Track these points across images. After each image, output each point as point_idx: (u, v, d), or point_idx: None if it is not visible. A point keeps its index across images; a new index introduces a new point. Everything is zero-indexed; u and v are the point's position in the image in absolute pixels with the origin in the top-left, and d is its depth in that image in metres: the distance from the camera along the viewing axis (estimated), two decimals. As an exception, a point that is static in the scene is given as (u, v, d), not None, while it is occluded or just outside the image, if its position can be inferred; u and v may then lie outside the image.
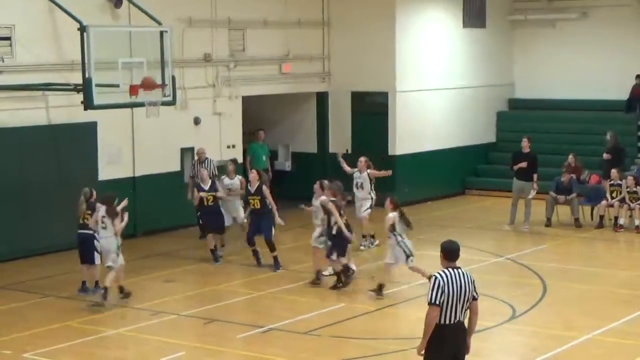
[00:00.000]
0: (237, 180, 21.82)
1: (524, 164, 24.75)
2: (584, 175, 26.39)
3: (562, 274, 20.12)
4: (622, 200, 24.69)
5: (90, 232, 17.91)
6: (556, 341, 15.39)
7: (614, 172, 25.19)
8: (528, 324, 16.52)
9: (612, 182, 25.00)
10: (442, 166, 29.22)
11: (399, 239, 18.07)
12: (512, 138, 31.05)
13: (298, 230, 23.46)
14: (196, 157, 23.61)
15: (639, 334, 15.73)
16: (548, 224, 25.00)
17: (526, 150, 25.12)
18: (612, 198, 24.85)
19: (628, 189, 24.65)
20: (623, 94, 30.10)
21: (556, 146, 28.18)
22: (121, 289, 17.75)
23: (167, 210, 23.91)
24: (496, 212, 27.07)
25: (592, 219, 25.35)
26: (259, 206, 20.27)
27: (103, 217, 17.53)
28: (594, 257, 22.04)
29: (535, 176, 24.91)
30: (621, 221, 24.57)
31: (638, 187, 24.68)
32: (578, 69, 30.96)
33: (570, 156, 26.25)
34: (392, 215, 18.16)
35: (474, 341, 14.32)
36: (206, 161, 23.22)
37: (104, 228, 17.55)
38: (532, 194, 24.87)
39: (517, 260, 21.17)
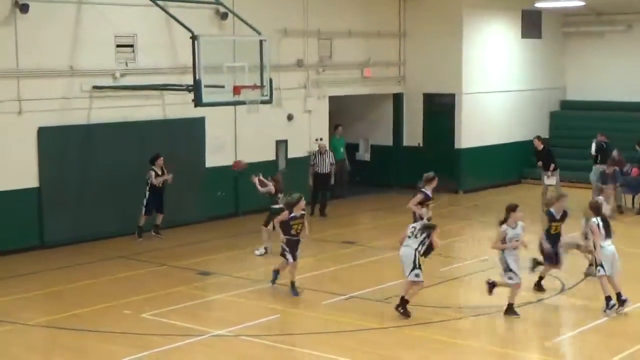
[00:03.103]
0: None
1: (540, 163, 25.19)
2: (627, 168, 26.07)
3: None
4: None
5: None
6: (598, 310, 15.12)
7: (654, 165, 24.98)
8: (576, 297, 16.31)
9: (650, 174, 24.82)
10: (501, 158, 28.99)
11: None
12: (563, 134, 30.99)
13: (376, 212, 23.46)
14: (317, 149, 24.14)
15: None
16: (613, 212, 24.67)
17: (539, 148, 25.01)
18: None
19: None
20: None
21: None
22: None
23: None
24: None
25: (632, 206, 25.00)
26: None
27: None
28: (634, 239, 21.65)
29: (552, 166, 25.05)
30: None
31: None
32: (622, 74, 30.53)
33: (615, 151, 25.94)
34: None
35: (527, 311, 14.23)
36: (326, 152, 23.86)
37: None
38: (549, 181, 25.01)
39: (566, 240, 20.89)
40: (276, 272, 16.61)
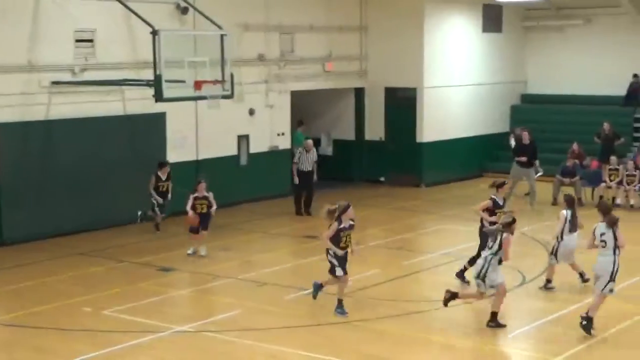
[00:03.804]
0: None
1: (524, 158, 24.84)
2: (586, 160, 26.33)
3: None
4: (620, 183, 24.69)
5: None
6: (560, 303, 15.31)
7: (613, 158, 25.16)
8: (537, 289, 16.38)
9: (611, 167, 24.99)
10: (462, 152, 29.10)
11: None
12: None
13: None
14: (303, 147, 23.70)
15: (634, 296, 15.65)
16: (554, 202, 24.83)
17: (526, 141, 25.10)
18: (611, 181, 24.81)
19: (627, 172, 24.61)
20: (621, 90, 29.93)
21: (562, 135, 28.01)
22: None
23: (226, 188, 23.93)
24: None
25: (592, 198, 25.15)
26: None
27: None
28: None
29: (537, 162, 24.99)
30: (618, 201, 24.45)
31: (637, 171, 24.63)
32: (582, 68, 30.81)
33: (575, 144, 26.24)
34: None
35: (487, 305, 14.25)
36: (311, 150, 23.52)
37: None
38: (537, 175, 24.98)
39: (526, 234, 21.00)
40: (320, 286, 15.02)
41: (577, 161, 25.68)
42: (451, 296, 14.20)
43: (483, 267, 13.80)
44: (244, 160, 25.04)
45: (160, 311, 15.01)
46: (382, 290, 16.14)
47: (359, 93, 28.99)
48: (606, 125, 26.89)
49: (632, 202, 24.34)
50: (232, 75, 19.86)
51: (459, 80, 29.37)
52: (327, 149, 29.12)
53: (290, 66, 26.16)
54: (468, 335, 13.83)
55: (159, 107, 20.81)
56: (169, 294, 16.26)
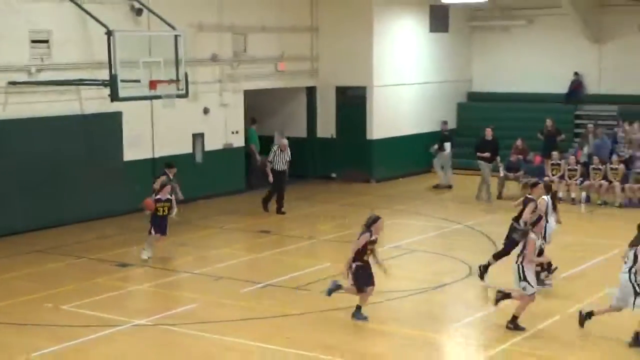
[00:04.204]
0: None
1: (487, 154, 25.14)
2: (530, 156, 26.64)
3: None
4: (561, 177, 25.00)
5: None
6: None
7: (555, 153, 25.48)
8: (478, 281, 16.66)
9: (553, 161, 25.30)
10: (411, 148, 29.33)
11: None
12: (470, 125, 31.39)
13: (290, 203, 23.61)
14: (278, 147, 23.44)
15: (577, 285, 15.99)
16: (499, 196, 25.15)
17: (489, 137, 25.40)
18: (553, 175, 25.08)
19: (569, 167, 24.94)
20: (563, 88, 30.36)
21: (506, 132, 28.27)
22: None
23: (182, 185, 23.93)
24: (457, 187, 27.24)
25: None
26: None
27: None
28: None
29: (498, 158, 25.30)
30: (560, 194, 24.74)
31: (578, 165, 24.98)
32: (526, 66, 31.18)
33: (519, 140, 26.54)
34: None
35: (435, 295, 14.55)
36: (287, 150, 23.38)
37: None
38: (502, 172, 25.32)
39: (474, 227, 21.32)
40: (339, 287, 14.27)
41: (520, 156, 26.00)
42: (503, 296, 13.99)
43: (519, 271, 13.50)
44: (199, 158, 25.09)
45: (119, 305, 15.06)
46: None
47: (311, 92, 29.11)
48: (549, 122, 27.21)
49: (573, 195, 24.70)
50: (186, 75, 19.91)
51: (407, 79, 29.58)
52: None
53: (243, 66, 26.22)
54: (417, 324, 14.04)
55: (115, 107, 20.83)
56: (127, 289, 16.32)
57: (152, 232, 18.18)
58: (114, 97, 18.62)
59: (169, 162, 20.66)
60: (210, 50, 25.10)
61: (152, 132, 23.77)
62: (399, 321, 14.29)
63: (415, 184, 28.04)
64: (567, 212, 23.59)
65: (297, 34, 28.04)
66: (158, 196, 18.18)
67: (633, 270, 12.72)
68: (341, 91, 28.76)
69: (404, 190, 27.05)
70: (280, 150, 23.28)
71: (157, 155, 23.89)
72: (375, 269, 14.10)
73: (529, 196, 16.17)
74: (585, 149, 26.26)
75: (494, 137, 25.54)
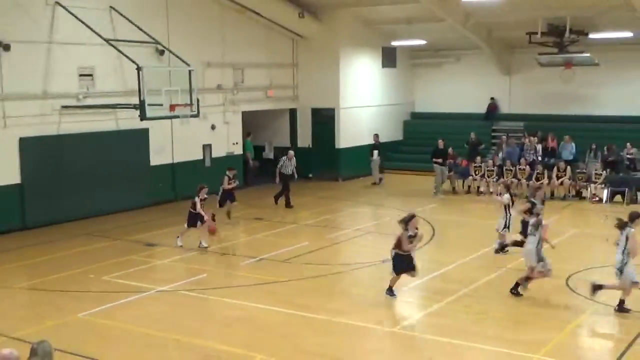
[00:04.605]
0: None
1: (440, 160, 25.00)
2: (458, 160, 26.60)
3: (445, 223, 20.22)
4: (482, 176, 25.00)
5: None
6: (440, 264, 15.49)
7: (477, 158, 25.48)
8: (424, 255, 16.60)
9: (476, 164, 25.30)
10: (368, 155, 29.23)
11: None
12: (413, 137, 31.46)
13: (280, 197, 23.40)
14: (286, 157, 22.87)
15: (494, 259, 15.88)
16: (435, 191, 25.10)
17: (441, 147, 25.35)
18: (476, 174, 25.11)
19: (488, 168, 24.96)
20: (482, 109, 30.41)
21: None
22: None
23: (194, 182, 23.72)
24: (404, 184, 27.21)
25: (462, 187, 25.54)
26: None
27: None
28: (465, 212, 22.18)
29: (447, 162, 25.25)
30: (482, 189, 24.82)
31: (495, 167, 25.01)
32: (455, 93, 31.18)
33: (450, 149, 26.43)
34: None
35: (389, 266, 14.42)
36: (293, 159, 22.88)
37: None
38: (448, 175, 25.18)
39: (419, 214, 21.19)
40: (390, 290, 13.26)
41: (451, 161, 25.97)
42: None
43: (538, 254, 12.86)
44: (208, 163, 24.84)
45: (146, 276, 14.88)
46: (311, 257, 16.22)
47: (293, 112, 28.93)
48: (472, 135, 27.15)
49: (491, 189, 24.66)
50: (197, 100, 19.73)
51: (365, 103, 29.48)
52: (270, 154, 29.03)
53: (241, 93, 26.01)
54: (373, 288, 13.96)
55: (144, 125, 20.58)
56: (153, 263, 16.13)
57: (186, 225, 17.24)
58: (143, 117, 18.41)
59: (229, 166, 20.72)
60: (216, 81, 24.88)
61: (172, 143, 23.50)
62: (359, 286, 14.17)
63: (372, 182, 27.95)
64: (489, 204, 23.70)
65: (282, 69, 27.86)
66: (199, 197, 17.10)
67: (626, 251, 11.96)
68: (315, 112, 28.60)
69: (364, 186, 26.98)
70: (288, 159, 22.85)
71: (175, 161, 23.68)
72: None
73: (532, 200, 15.28)
74: (500, 155, 26.26)
75: (445, 146, 25.48)
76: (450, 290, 13.46)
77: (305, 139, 28.87)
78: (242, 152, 26.44)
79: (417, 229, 13.09)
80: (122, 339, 11.28)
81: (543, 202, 16.07)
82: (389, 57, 30.41)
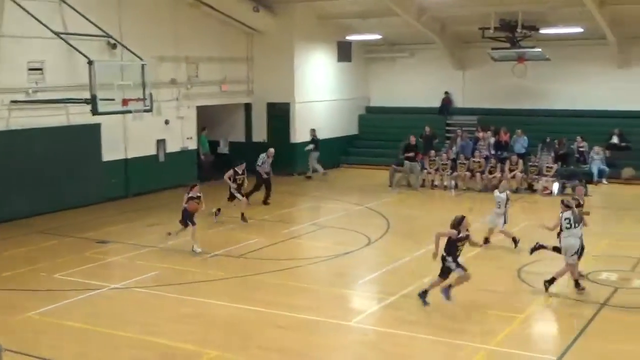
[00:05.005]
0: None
1: (412, 154, 25.02)
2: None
3: (398, 216, 20.40)
4: (437, 170, 25.26)
5: None
6: (394, 257, 15.63)
7: (432, 152, 25.71)
8: (378, 248, 16.75)
9: (431, 158, 25.53)
10: (324, 149, 29.22)
11: None
12: (368, 131, 31.58)
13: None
14: (266, 154, 22.45)
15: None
16: (390, 185, 25.31)
17: (413, 142, 25.44)
18: (430, 168, 25.34)
19: (442, 162, 25.22)
20: (437, 103, 30.64)
21: (396, 136, 28.49)
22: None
23: (148, 178, 23.67)
24: (359, 178, 27.35)
25: (417, 181, 25.71)
26: None
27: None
28: (418, 206, 22.38)
29: (419, 157, 25.27)
30: (436, 183, 25.07)
31: (449, 161, 25.26)
32: (409, 87, 31.31)
33: (403, 143, 26.62)
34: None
35: (343, 260, 14.54)
36: (271, 158, 22.44)
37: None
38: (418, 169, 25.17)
39: (372, 208, 21.41)
40: (447, 291, 12.31)
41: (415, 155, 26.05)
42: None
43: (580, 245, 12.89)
44: (161, 158, 24.62)
45: (99, 273, 14.74)
46: (266, 253, 16.24)
47: (248, 107, 28.82)
48: (427, 129, 27.38)
49: (445, 183, 24.95)
50: (151, 95, 19.56)
51: (320, 97, 29.50)
52: (225, 149, 28.93)
53: (195, 87, 25.82)
54: (330, 282, 14.06)
55: (95, 119, 20.29)
56: (106, 260, 15.97)
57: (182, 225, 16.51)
58: (94, 112, 18.17)
59: (240, 160, 20.20)
60: (169, 76, 24.65)
61: (125, 139, 23.24)
62: (314, 280, 14.25)
63: (327, 177, 28.03)
64: (442, 196, 24.01)
65: (237, 63, 27.74)
66: (190, 194, 16.38)
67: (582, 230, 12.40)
68: (271, 106, 28.54)
69: (318, 181, 27.02)
70: (268, 157, 22.40)
71: (128, 157, 23.42)
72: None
73: (575, 197, 14.74)
74: (454, 149, 26.56)
75: (416, 142, 25.59)
76: (404, 283, 13.61)
77: (260, 134, 28.80)
78: (196, 147, 26.27)
79: (467, 230, 12.16)
80: (74, 338, 11.18)
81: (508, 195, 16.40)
82: (344, 52, 30.44)
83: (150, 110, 19.78)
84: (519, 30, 25.98)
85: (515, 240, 16.14)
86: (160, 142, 24.59)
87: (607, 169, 25.51)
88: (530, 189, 24.11)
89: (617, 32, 26.31)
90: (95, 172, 22.07)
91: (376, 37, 29.73)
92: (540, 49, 26.54)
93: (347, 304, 13.04)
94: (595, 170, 25.33)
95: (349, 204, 22.21)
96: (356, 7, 27.04)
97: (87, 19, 20.40)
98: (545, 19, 25.99)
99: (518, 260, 14.99)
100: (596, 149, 25.74)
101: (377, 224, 19.17)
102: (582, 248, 13.13)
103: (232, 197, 19.60)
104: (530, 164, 24.65)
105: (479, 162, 24.82)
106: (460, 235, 12.01)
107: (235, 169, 19.70)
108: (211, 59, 26.41)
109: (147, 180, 23.70)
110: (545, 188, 23.69)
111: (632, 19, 25.51)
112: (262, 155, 22.52)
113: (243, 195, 19.67)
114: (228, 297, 12.94)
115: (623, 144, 26.55)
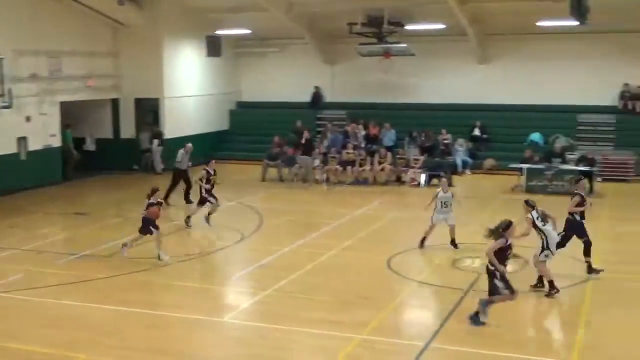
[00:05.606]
0: None
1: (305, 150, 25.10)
2: (285, 148, 26.90)
3: (272, 211, 20.44)
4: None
5: None
6: (266, 252, 15.63)
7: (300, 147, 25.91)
8: (252, 243, 16.74)
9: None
10: (195, 144, 28.74)
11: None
12: (239, 126, 31.53)
13: (101, 190, 22.65)
14: (184, 150, 21.59)
15: (319, 245, 16.22)
16: (263, 179, 25.34)
17: (307, 137, 25.38)
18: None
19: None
20: (307, 98, 30.92)
21: (268, 131, 28.57)
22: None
23: (8, 178, 22.61)
24: (231, 174, 27.13)
25: (287, 175, 25.79)
26: None
27: None
28: (295, 201, 22.49)
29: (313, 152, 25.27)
30: (318, 177, 25.15)
31: (320, 154, 25.48)
32: (280, 82, 31.51)
33: (276, 137, 26.75)
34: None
35: (216, 256, 14.38)
36: (189, 153, 21.57)
37: None
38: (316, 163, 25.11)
39: (244, 203, 21.37)
40: (488, 303, 11.22)
41: (279, 148, 26.24)
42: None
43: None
44: (23, 156, 23.58)
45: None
46: (135, 252, 15.81)
47: (115, 102, 28.09)
48: (299, 123, 27.68)
49: (317, 177, 25.11)
50: (10, 90, 18.75)
51: (190, 92, 29.20)
52: (91, 146, 28.05)
53: (59, 82, 24.83)
54: (204, 279, 13.97)
55: (-51, 116, 19.26)
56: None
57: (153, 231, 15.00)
58: (-52, 108, 17.20)
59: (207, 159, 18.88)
60: (30, 70, 23.57)
61: (-19, 137, 22.14)
62: (184, 278, 14.05)
63: (197, 172, 27.64)
64: (315, 189, 24.25)
65: (102, 58, 26.96)
66: (151, 200, 15.06)
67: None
68: (139, 102, 27.99)
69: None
70: (186, 152, 21.51)
71: (-13, 155, 22.35)
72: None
73: (576, 191, 14.09)
74: (325, 142, 26.90)
75: (311, 137, 25.55)
76: (277, 277, 13.66)
77: (129, 130, 28.16)
78: (60, 144, 25.30)
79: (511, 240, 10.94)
80: None
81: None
82: (214, 46, 30.13)
83: (9, 107, 18.95)
84: (385, 26, 26.65)
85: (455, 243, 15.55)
86: (22, 140, 23.51)
87: (470, 160, 26.66)
88: (399, 180, 24.78)
89: (477, 29, 27.49)
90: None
91: (246, 31, 29.68)
92: (405, 45, 27.32)
93: (220, 301, 12.95)
94: (459, 162, 26.40)
95: (221, 199, 22.03)
96: (225, 2, 26.88)
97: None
98: (411, 15, 26.79)
99: (386, 251, 15.38)
100: (460, 141, 26.83)
101: (250, 219, 19.14)
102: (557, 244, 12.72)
103: (202, 202, 18.09)
104: (398, 156, 25.35)
105: (353, 153, 25.22)
106: (510, 242, 10.84)
107: (207, 168, 18.23)
108: (75, 53, 25.51)
109: (7, 179, 22.63)
110: (413, 179, 24.42)
111: (491, 16, 26.75)
112: (181, 151, 21.69)
113: (216, 199, 18.17)
114: (96, 299, 12.56)
115: (484, 136, 27.82)
